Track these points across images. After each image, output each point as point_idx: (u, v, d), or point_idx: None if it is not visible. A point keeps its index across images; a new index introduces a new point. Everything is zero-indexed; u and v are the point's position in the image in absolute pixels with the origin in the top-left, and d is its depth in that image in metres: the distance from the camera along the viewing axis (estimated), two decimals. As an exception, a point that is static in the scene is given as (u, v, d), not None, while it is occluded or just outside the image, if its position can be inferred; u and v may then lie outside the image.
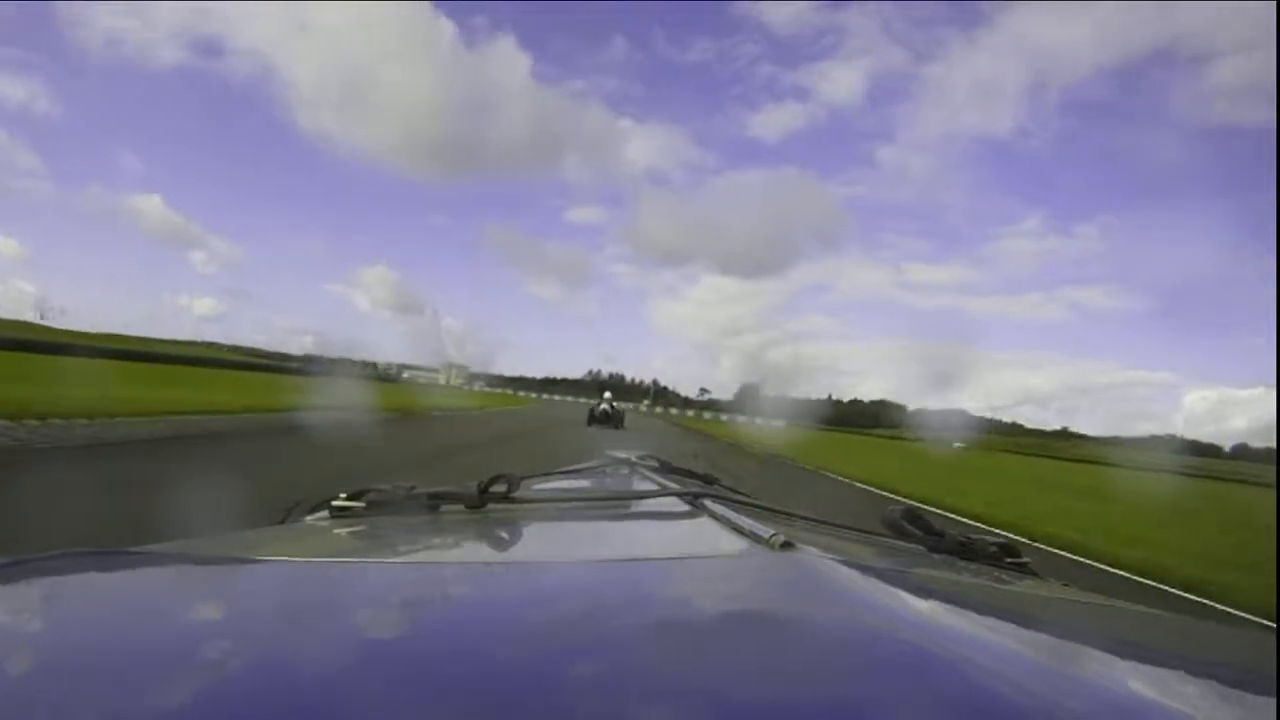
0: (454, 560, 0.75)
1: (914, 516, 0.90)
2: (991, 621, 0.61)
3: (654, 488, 1.12)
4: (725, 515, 0.83)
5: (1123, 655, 0.56)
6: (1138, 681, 0.47)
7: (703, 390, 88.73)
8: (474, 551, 0.79)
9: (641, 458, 1.56)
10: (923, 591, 0.65)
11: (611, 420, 24.40)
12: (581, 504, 1.04)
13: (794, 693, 0.38)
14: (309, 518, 1.00)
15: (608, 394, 26.84)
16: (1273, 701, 0.44)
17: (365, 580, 0.62)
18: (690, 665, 0.42)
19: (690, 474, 1.44)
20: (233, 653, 0.44)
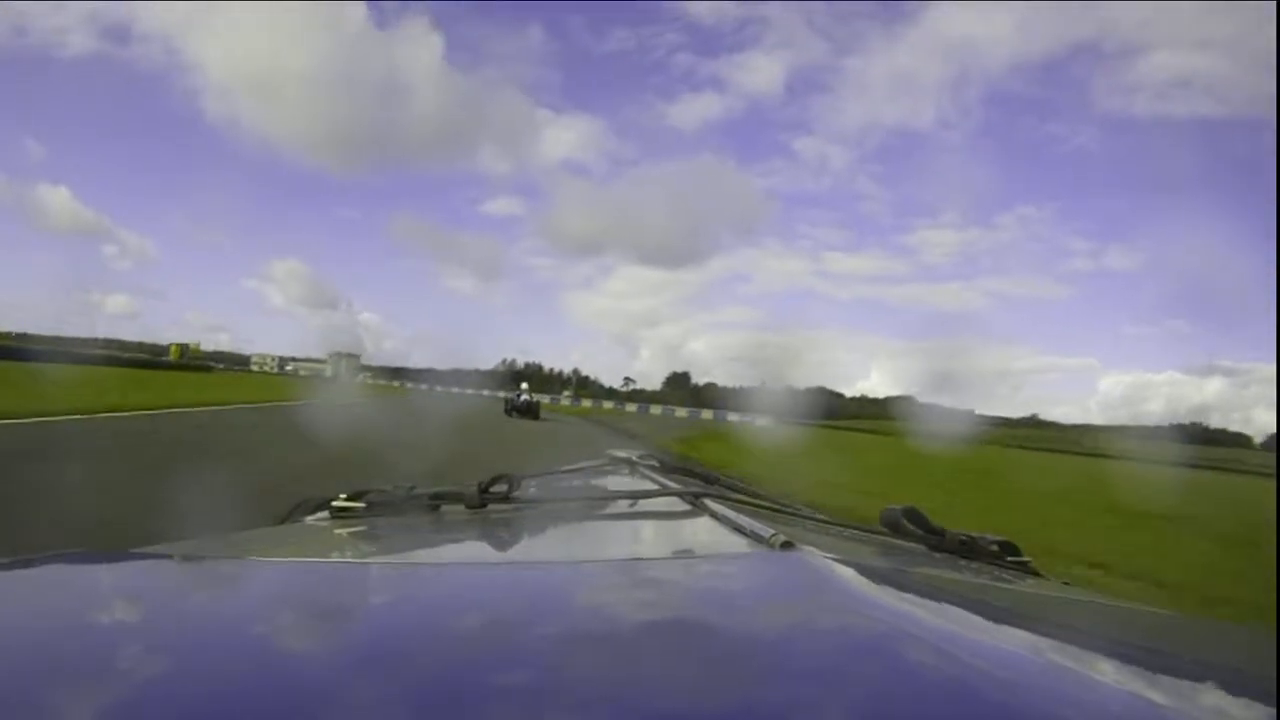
0: (454, 560, 0.74)
1: (914, 515, 0.90)
2: (993, 620, 0.61)
3: (654, 487, 1.13)
4: (726, 515, 0.83)
5: (1124, 655, 0.56)
6: (1138, 681, 0.47)
7: (627, 380, 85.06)
8: (474, 551, 0.79)
9: (642, 457, 1.57)
10: (924, 591, 0.65)
11: (530, 411, 24.18)
12: (582, 504, 1.04)
13: (795, 692, 0.38)
14: (309, 518, 1.00)
15: (525, 385, 26.50)
16: (1273, 701, 0.44)
17: (366, 580, 0.62)
18: (692, 665, 0.42)
19: (691, 473, 1.44)
20: (234, 653, 0.44)
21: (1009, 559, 0.90)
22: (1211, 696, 0.47)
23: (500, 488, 0.93)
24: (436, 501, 0.92)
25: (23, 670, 0.42)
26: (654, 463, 1.51)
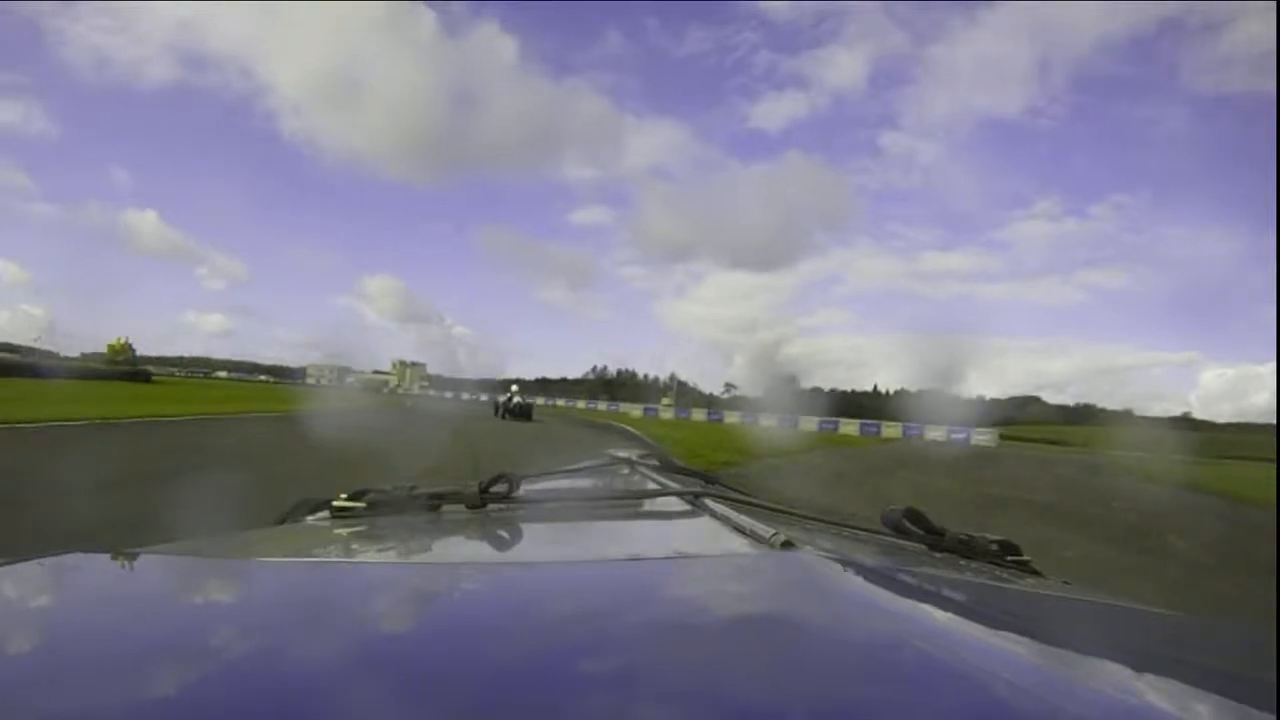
0: (455, 560, 0.75)
1: (915, 515, 0.90)
2: (993, 620, 0.61)
3: (654, 487, 1.12)
4: (726, 514, 0.83)
5: (1124, 654, 0.56)
6: (1138, 681, 0.47)
7: (728, 386, 78.73)
8: (475, 551, 0.80)
9: (642, 457, 1.57)
10: (924, 590, 0.66)
11: (523, 413, 24.03)
12: (582, 503, 1.04)
13: (796, 692, 0.38)
14: (310, 518, 1.00)
15: (514, 387, 26.70)
16: (1273, 702, 0.44)
17: (366, 580, 0.63)
18: (691, 665, 0.42)
19: (691, 473, 1.44)
20: (234, 653, 0.44)
21: (1009, 558, 0.90)
22: (1211, 697, 0.47)
23: (500, 487, 0.93)
24: (437, 501, 0.93)
25: (24, 670, 0.42)
26: (654, 462, 1.51)
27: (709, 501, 0.93)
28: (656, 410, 52.04)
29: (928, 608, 0.59)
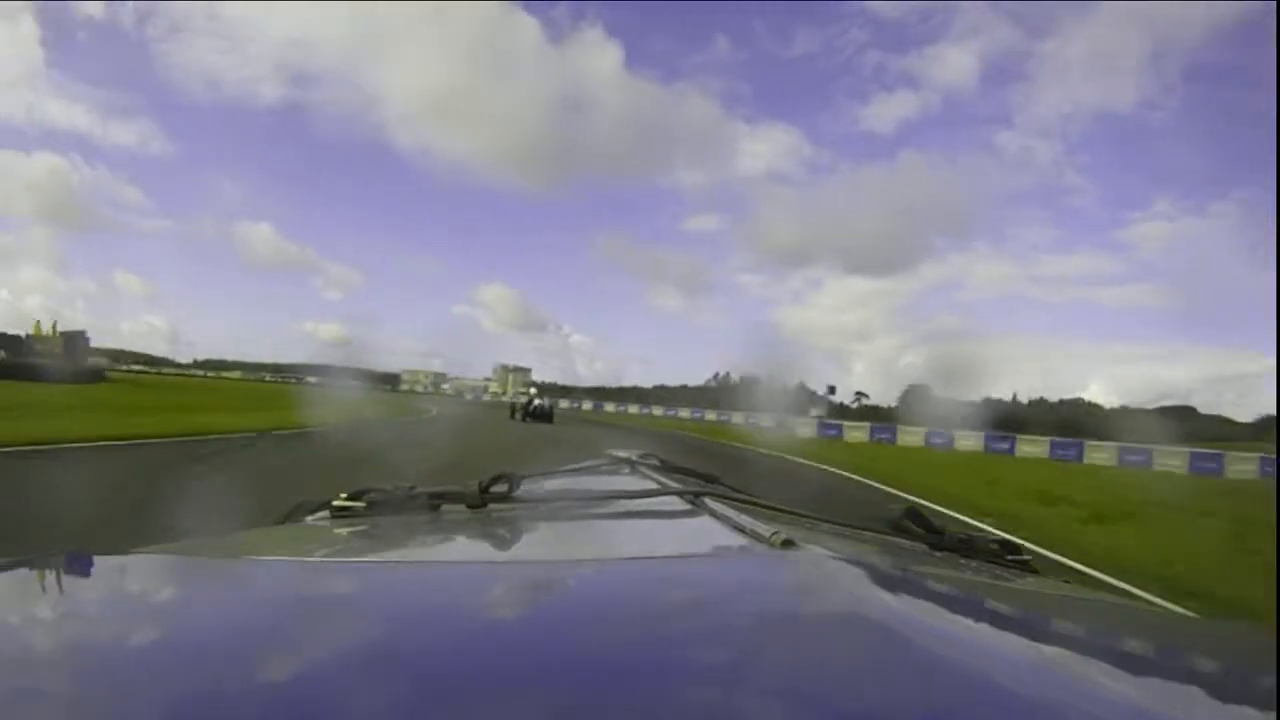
0: (455, 560, 0.75)
1: (915, 514, 0.90)
2: (993, 619, 0.61)
3: (655, 486, 1.12)
4: (726, 514, 0.83)
5: (1124, 654, 0.56)
6: (1139, 680, 0.48)
7: (859, 395, 74.04)
8: (475, 551, 0.80)
9: (642, 456, 1.57)
10: (924, 589, 0.65)
11: (543, 415, 22.80)
12: (582, 503, 1.04)
13: (796, 692, 0.38)
14: (310, 518, 1.00)
15: (534, 389, 26.16)
16: (1273, 702, 0.44)
17: (367, 580, 0.63)
18: (692, 664, 0.42)
19: (691, 473, 1.44)
20: (234, 653, 0.44)
21: (1009, 558, 0.90)
22: (1211, 696, 0.47)
23: (500, 487, 0.93)
24: (437, 501, 0.92)
25: (24, 670, 0.42)
26: (654, 462, 1.51)
27: (709, 501, 0.93)
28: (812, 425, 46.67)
29: (928, 607, 0.59)
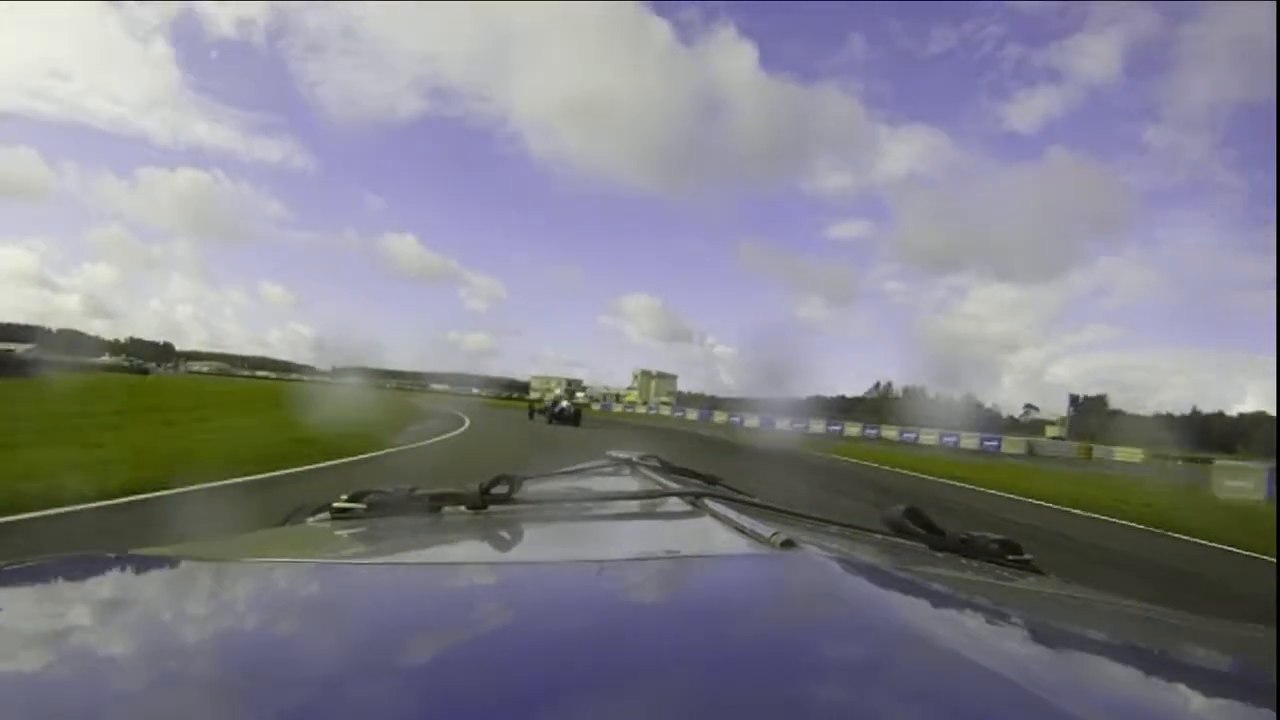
0: (456, 561, 0.75)
1: (916, 514, 0.89)
2: (994, 619, 0.61)
3: (655, 487, 1.12)
4: (726, 515, 0.83)
5: (1125, 653, 0.57)
6: (1139, 680, 0.48)
7: (1028, 408, 65.07)
8: (476, 552, 0.79)
9: (643, 457, 1.56)
10: (925, 589, 0.65)
11: (571, 418, 21.51)
12: (583, 504, 1.03)
13: (797, 692, 0.38)
14: (310, 519, 1.01)
15: (559, 390, 25.30)
16: (1273, 702, 0.44)
17: (367, 581, 0.63)
18: (693, 664, 0.42)
19: (691, 473, 1.44)
20: (235, 654, 0.45)
21: (1010, 557, 0.90)
22: (1212, 696, 0.47)
23: (501, 488, 0.93)
24: (437, 502, 0.92)
25: (26, 671, 0.43)
26: (655, 463, 1.50)
27: (709, 502, 0.92)
28: (998, 443, 38.17)
29: (929, 607, 0.59)
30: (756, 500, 1.07)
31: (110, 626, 0.52)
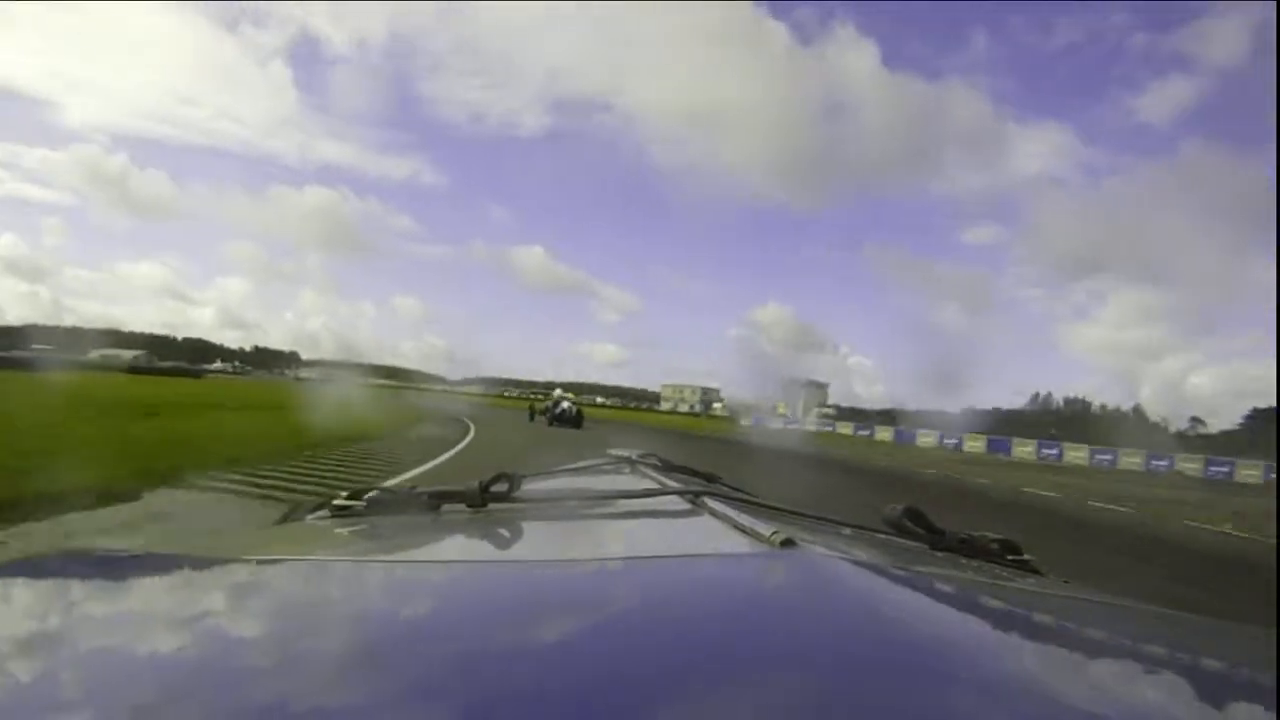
0: (455, 559, 0.75)
1: (915, 514, 0.89)
2: (994, 619, 0.61)
3: (655, 486, 1.12)
4: (726, 514, 0.82)
5: (1124, 653, 0.56)
6: (1139, 680, 0.48)
7: (1194, 420, 59.05)
8: (475, 550, 0.79)
9: (643, 456, 1.55)
10: (925, 589, 0.65)
11: (572, 421, 21.60)
12: (583, 503, 1.03)
13: (797, 691, 0.38)
14: (310, 517, 1.02)
15: (558, 391, 24.89)
16: (1273, 701, 0.45)
17: (367, 579, 0.63)
18: (692, 663, 0.42)
19: (691, 472, 1.44)
20: (235, 652, 0.45)
21: (1010, 557, 0.90)
22: (1211, 696, 0.47)
23: (501, 487, 0.92)
24: (437, 501, 0.92)
25: (25, 671, 0.43)
26: (655, 461, 1.50)
27: (709, 501, 0.92)
28: (1229, 469, 28.33)
29: (929, 606, 0.59)
30: (756, 499, 1.06)
31: (110, 624, 0.52)
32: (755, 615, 0.52)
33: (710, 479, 1.37)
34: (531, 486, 1.05)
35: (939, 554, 0.85)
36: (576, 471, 1.51)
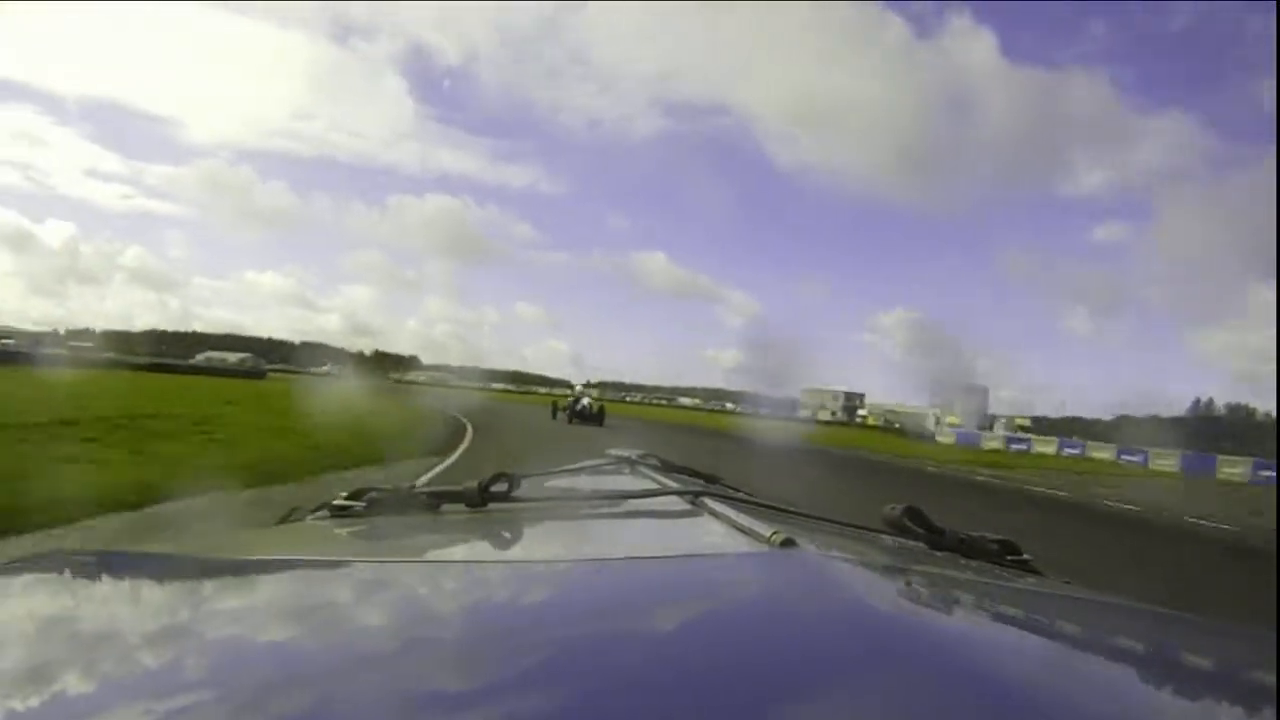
0: (455, 559, 0.75)
1: (915, 514, 0.88)
2: (993, 619, 0.62)
3: (655, 486, 1.12)
4: (726, 514, 0.82)
5: (1124, 653, 0.57)
6: (1138, 680, 0.48)
7: None
8: (475, 551, 0.79)
9: (642, 456, 1.55)
10: (925, 589, 0.65)
11: (593, 418, 20.76)
12: (582, 503, 1.04)
13: (797, 691, 0.38)
14: (310, 517, 1.02)
15: (579, 387, 23.79)
16: (1273, 702, 0.45)
17: (366, 579, 0.63)
18: (692, 663, 0.42)
19: (691, 473, 1.44)
20: (235, 652, 0.45)
21: (1009, 558, 0.90)
22: (1211, 696, 0.47)
23: (500, 487, 0.92)
24: (437, 500, 0.92)
25: (24, 670, 0.43)
26: (654, 462, 1.50)
27: (709, 501, 0.92)
28: None
29: (928, 606, 0.59)
30: (756, 499, 1.07)
31: (109, 624, 0.52)
32: (755, 615, 0.52)
33: (710, 479, 1.37)
34: (531, 487, 1.05)
35: (939, 554, 0.85)
36: (576, 472, 1.50)
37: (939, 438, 43.46)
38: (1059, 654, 0.54)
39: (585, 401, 21.62)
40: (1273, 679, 0.49)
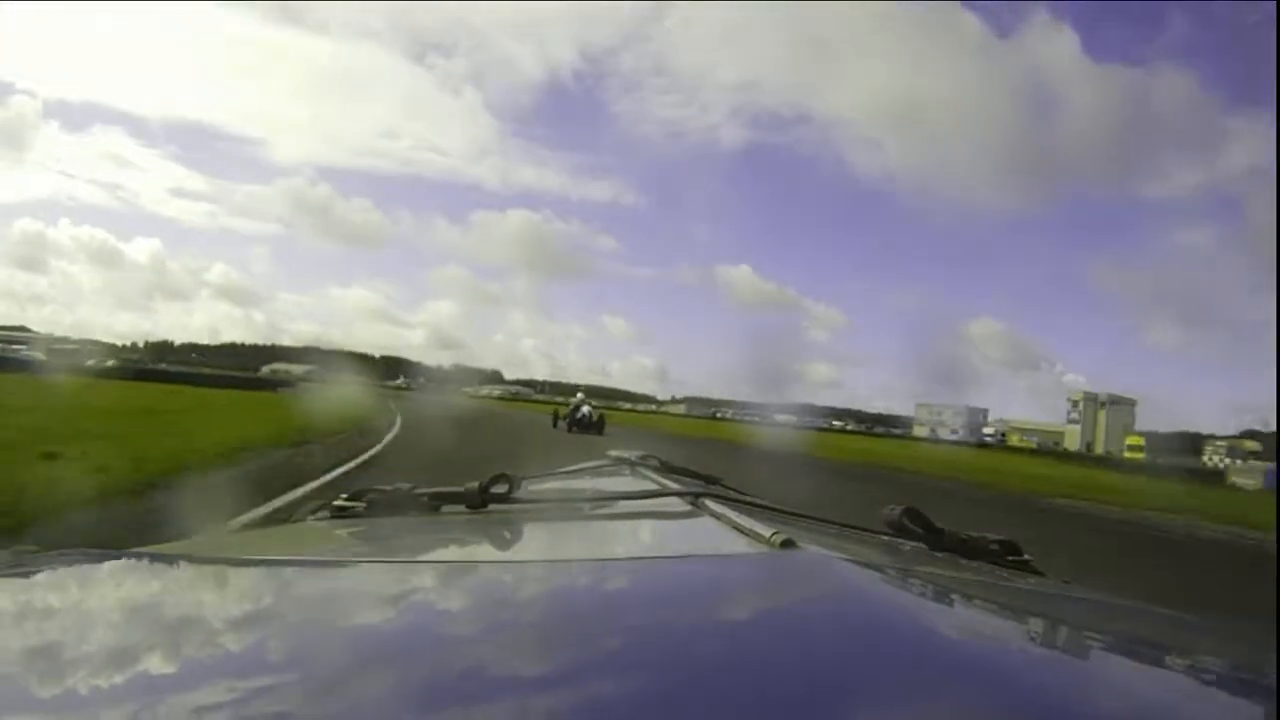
0: (455, 560, 0.75)
1: (915, 515, 0.89)
2: (993, 619, 0.61)
3: (654, 487, 1.12)
4: (726, 515, 0.82)
5: (1124, 653, 0.57)
6: (1138, 680, 0.48)
7: None
8: (475, 551, 0.80)
9: (642, 457, 1.55)
10: (925, 590, 0.65)
11: (592, 426, 20.85)
12: (582, 504, 1.03)
13: (797, 691, 0.38)
14: (310, 518, 1.03)
15: (580, 395, 24.39)
16: (1273, 702, 0.45)
17: (366, 580, 0.63)
18: (692, 664, 0.42)
19: (691, 474, 1.43)
20: (235, 652, 0.45)
21: (1009, 558, 0.90)
22: (1211, 696, 0.47)
23: (500, 488, 0.92)
24: (437, 501, 0.92)
25: (23, 670, 0.43)
26: (654, 463, 1.49)
27: (709, 502, 0.92)
28: None
29: (928, 607, 0.59)
30: (756, 500, 1.08)
31: (109, 624, 0.51)
32: (755, 616, 0.52)
33: (710, 480, 1.37)
34: (531, 488, 1.05)
35: (938, 555, 0.85)
36: (576, 473, 1.52)
37: (1238, 479, 28.55)
38: (1059, 654, 0.54)
39: (585, 410, 22.30)
40: (1273, 679, 0.49)
